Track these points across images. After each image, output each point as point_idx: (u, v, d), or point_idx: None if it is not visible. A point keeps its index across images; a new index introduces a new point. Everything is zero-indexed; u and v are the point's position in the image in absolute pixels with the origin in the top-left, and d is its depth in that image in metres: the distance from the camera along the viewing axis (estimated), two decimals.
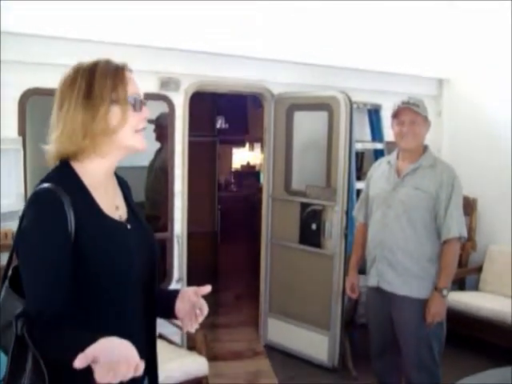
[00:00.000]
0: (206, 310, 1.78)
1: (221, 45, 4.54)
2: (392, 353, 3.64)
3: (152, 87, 4.47)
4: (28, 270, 1.57)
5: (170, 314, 1.85)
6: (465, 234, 3.41)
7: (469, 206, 5.47)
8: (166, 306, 1.85)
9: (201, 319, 1.80)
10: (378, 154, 5.46)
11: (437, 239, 3.41)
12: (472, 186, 5.10)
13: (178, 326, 3.98)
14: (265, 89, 5.15)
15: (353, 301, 4.72)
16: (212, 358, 4.53)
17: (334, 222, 4.75)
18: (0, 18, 3.52)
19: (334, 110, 4.73)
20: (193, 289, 1.80)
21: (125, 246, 1.69)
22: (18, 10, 3.64)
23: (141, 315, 1.78)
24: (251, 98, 7.48)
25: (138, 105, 1.69)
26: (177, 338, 4.37)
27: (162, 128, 4.88)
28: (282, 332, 5.21)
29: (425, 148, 3.52)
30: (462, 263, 5.36)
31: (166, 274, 4.70)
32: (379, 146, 5.57)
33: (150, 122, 5.34)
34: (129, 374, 1.35)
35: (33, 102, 3.94)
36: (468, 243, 5.54)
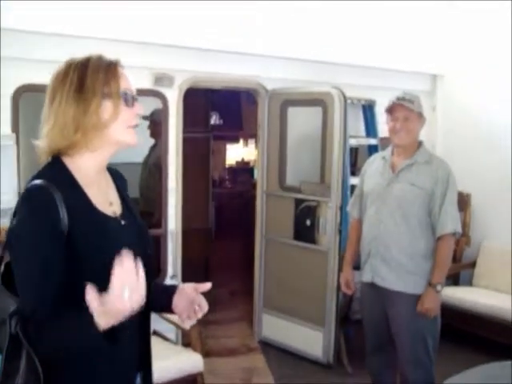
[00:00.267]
0: (205, 306, 1.79)
1: (215, 41, 4.53)
2: (387, 349, 3.65)
3: (146, 83, 4.45)
4: (21, 268, 1.57)
5: (166, 309, 1.85)
6: (459, 229, 3.42)
7: (463, 202, 5.48)
8: (162, 300, 1.84)
9: (200, 315, 1.80)
10: (372, 149, 5.46)
11: (431, 235, 3.41)
12: (466, 181, 5.11)
13: (172, 323, 3.99)
14: (259, 84, 5.15)
15: (347, 297, 4.72)
16: (207, 354, 4.53)
17: (328, 217, 4.75)
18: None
19: (328, 106, 4.72)
20: (192, 285, 1.81)
21: (118, 242, 1.68)
22: (12, 7, 3.62)
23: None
24: (245, 94, 7.46)
25: (130, 100, 1.68)
26: (171, 335, 4.37)
27: (156, 124, 4.86)
28: (277, 328, 5.21)
29: (419, 144, 3.52)
30: (455, 258, 5.37)
31: (160, 270, 4.69)
32: (373, 141, 5.57)
33: (144, 118, 5.34)
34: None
35: (25, 99, 3.92)
36: (462, 239, 5.56)
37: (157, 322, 3.60)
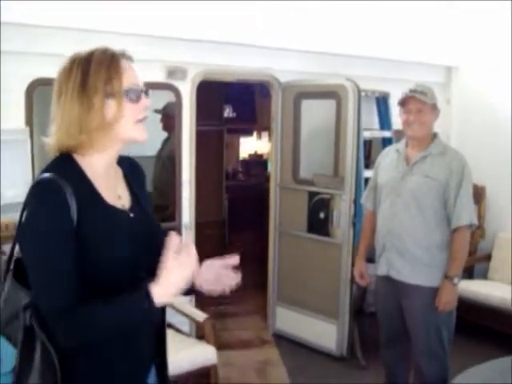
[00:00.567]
0: (235, 279, 1.84)
1: (227, 33, 4.52)
2: (401, 341, 3.64)
3: (159, 76, 4.46)
4: (33, 264, 1.57)
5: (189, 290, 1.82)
6: (475, 221, 3.40)
7: (477, 194, 5.44)
8: None
9: (238, 277, 1.85)
10: (386, 142, 5.43)
11: (446, 227, 3.39)
12: (481, 173, 5.06)
13: (186, 316, 4.00)
14: (272, 77, 5.13)
15: (361, 289, 4.72)
16: (220, 347, 4.53)
17: (342, 210, 4.74)
18: (1, 9, 3.51)
19: (341, 98, 4.70)
20: (219, 262, 1.83)
21: (127, 234, 1.69)
22: (23, 1, 3.63)
23: None
24: (259, 87, 7.44)
25: (135, 96, 1.65)
26: (185, 328, 4.38)
27: (169, 117, 4.87)
28: (291, 321, 5.21)
29: (434, 136, 3.50)
30: (470, 251, 5.32)
31: None
32: (387, 134, 5.53)
33: (156, 111, 5.33)
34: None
35: (39, 92, 3.93)
36: (477, 231, 5.52)
37: (171, 314, 3.60)
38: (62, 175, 1.59)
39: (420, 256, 3.41)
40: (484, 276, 5.67)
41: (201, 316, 3.97)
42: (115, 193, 1.74)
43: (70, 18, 3.82)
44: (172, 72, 4.54)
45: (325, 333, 4.90)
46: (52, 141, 1.66)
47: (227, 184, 8.15)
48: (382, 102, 5.64)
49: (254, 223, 7.65)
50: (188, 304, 4.30)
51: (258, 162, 9.74)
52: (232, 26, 4.54)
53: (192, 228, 4.80)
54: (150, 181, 5.18)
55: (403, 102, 3.43)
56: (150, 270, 1.78)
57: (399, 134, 4.32)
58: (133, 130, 1.68)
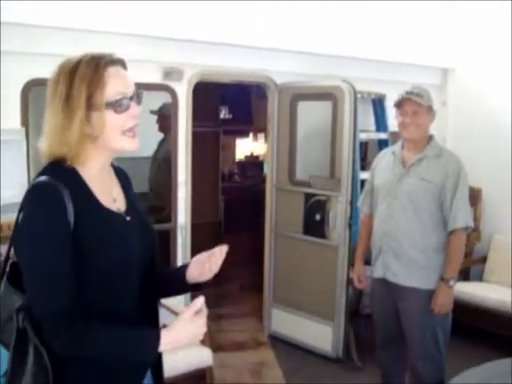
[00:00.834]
0: (217, 265, 1.81)
1: (224, 35, 4.51)
2: (397, 343, 3.64)
3: (155, 77, 4.45)
4: (29, 268, 1.56)
5: (182, 285, 1.86)
6: (471, 223, 3.40)
7: (473, 196, 5.43)
8: (176, 278, 1.87)
9: (220, 260, 1.81)
10: (383, 144, 5.44)
11: (443, 229, 3.39)
12: (477, 175, 5.07)
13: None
14: (268, 78, 5.13)
15: (357, 291, 4.72)
16: (216, 348, 4.53)
17: (338, 212, 4.74)
18: (1, 9, 3.50)
19: (338, 100, 4.70)
20: (206, 254, 1.83)
21: (124, 237, 1.69)
22: (19, 0, 3.62)
23: (141, 304, 1.77)
24: (255, 89, 7.44)
25: (121, 106, 1.63)
26: None
27: (165, 118, 4.87)
28: (286, 322, 5.21)
29: (430, 138, 3.50)
30: (466, 253, 5.33)
31: (170, 264, 4.70)
32: (383, 136, 5.54)
33: (152, 112, 5.32)
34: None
35: (35, 93, 3.92)
36: (472, 233, 5.52)
37: (166, 316, 3.59)
38: (58, 178, 1.58)
39: (416, 258, 3.41)
40: (480, 278, 5.68)
41: None
42: (110, 196, 1.74)
43: (66, 18, 3.80)
44: (168, 73, 4.53)
45: (320, 334, 4.90)
46: (43, 149, 1.65)
47: (223, 185, 8.14)
48: (378, 103, 5.64)
49: (250, 225, 7.65)
50: (183, 305, 4.28)
51: (254, 164, 9.74)
52: (229, 27, 4.54)
53: (188, 229, 4.79)
54: (146, 182, 5.17)
55: (399, 104, 3.43)
56: (146, 273, 1.78)
57: (395, 136, 4.32)
58: (120, 140, 1.66)
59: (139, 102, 1.70)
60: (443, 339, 3.46)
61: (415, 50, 5.67)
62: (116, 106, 1.62)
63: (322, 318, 4.89)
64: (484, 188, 5.78)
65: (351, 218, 4.68)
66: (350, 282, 4.41)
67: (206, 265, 1.79)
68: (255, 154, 9.88)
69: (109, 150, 1.69)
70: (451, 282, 3.36)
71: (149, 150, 5.13)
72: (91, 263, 1.59)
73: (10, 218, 3.30)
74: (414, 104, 3.37)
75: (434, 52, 5.89)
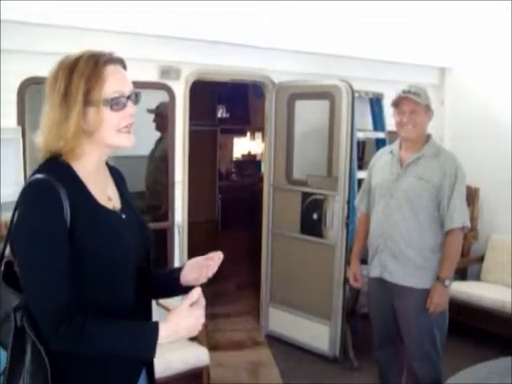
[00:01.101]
0: (213, 268, 1.81)
1: (222, 33, 4.51)
2: (394, 343, 3.64)
3: (152, 76, 4.44)
4: (27, 261, 1.56)
5: (175, 287, 1.86)
6: (468, 223, 3.39)
7: (471, 196, 5.44)
8: (170, 280, 1.88)
9: (216, 267, 1.82)
10: (380, 143, 5.43)
11: (439, 229, 3.39)
12: (474, 175, 5.05)
13: None
14: (266, 77, 5.12)
15: (354, 291, 4.71)
16: (213, 347, 4.53)
17: (335, 211, 4.73)
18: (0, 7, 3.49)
19: (335, 99, 4.70)
20: (201, 258, 1.83)
21: (120, 234, 1.69)
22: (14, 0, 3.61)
23: (136, 302, 1.78)
24: (252, 87, 7.43)
25: (117, 104, 1.63)
26: None
27: (163, 117, 4.86)
28: (283, 322, 5.20)
29: (428, 137, 3.50)
30: (463, 253, 5.34)
31: (167, 263, 4.69)
32: (381, 135, 5.53)
33: (150, 111, 5.31)
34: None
35: (32, 91, 3.91)
36: (470, 233, 5.53)
37: (162, 315, 3.59)
38: (54, 176, 1.58)
39: (413, 258, 3.41)
40: (477, 277, 5.68)
41: None
42: (105, 194, 1.74)
43: (63, 16, 3.80)
44: (165, 71, 4.52)
45: (317, 334, 4.90)
46: (39, 143, 1.66)
47: (220, 184, 8.14)
48: (375, 102, 5.64)
49: (247, 223, 7.65)
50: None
51: (251, 163, 9.75)
52: (226, 26, 4.54)
53: (185, 228, 4.79)
54: (143, 180, 5.17)
55: (397, 103, 3.43)
56: (141, 272, 1.78)
57: (393, 135, 4.31)
58: (116, 137, 1.67)
59: (136, 101, 1.71)
60: (440, 338, 3.46)
61: (413, 49, 5.66)
62: (113, 103, 1.63)
63: (319, 318, 4.89)
64: (481, 187, 5.77)
65: (348, 217, 4.68)
66: (346, 281, 4.40)
67: (203, 270, 1.79)
68: (252, 152, 9.89)
69: (104, 146, 1.69)
70: (447, 282, 3.36)
71: (146, 148, 5.12)
72: (88, 260, 1.59)
73: (6, 216, 3.30)
74: (412, 103, 3.37)
75: (432, 51, 5.88)
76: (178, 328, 1.59)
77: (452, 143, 5.80)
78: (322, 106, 4.82)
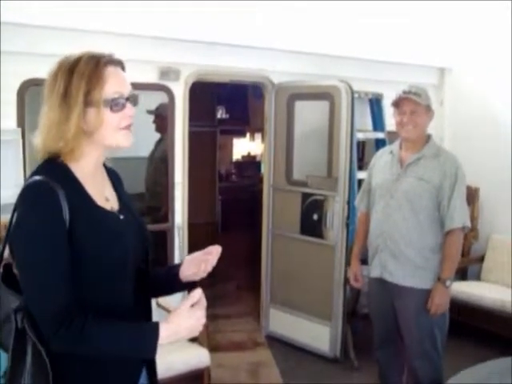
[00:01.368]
0: (212, 263, 1.82)
1: (221, 34, 4.51)
2: (394, 343, 3.64)
3: (151, 77, 4.44)
4: (27, 263, 1.56)
5: (175, 283, 1.87)
6: (468, 223, 3.39)
7: (471, 196, 5.44)
8: (170, 277, 1.89)
9: (215, 260, 1.83)
10: (380, 143, 5.43)
11: (440, 229, 3.39)
12: (474, 175, 5.05)
13: None
14: (265, 78, 5.12)
15: (355, 291, 4.71)
16: (213, 348, 4.52)
17: (335, 212, 4.73)
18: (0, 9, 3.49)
19: (335, 100, 4.70)
20: (200, 253, 1.85)
21: (119, 235, 1.69)
22: (17, 0, 3.61)
23: (135, 303, 1.78)
24: (252, 88, 7.44)
25: (117, 105, 1.64)
26: None
27: (162, 118, 4.86)
28: (284, 322, 5.20)
29: (428, 137, 3.50)
30: (463, 253, 5.34)
31: (167, 264, 4.69)
32: (381, 135, 5.53)
33: (149, 112, 5.31)
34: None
35: (32, 93, 3.91)
36: (470, 233, 5.52)
37: (163, 316, 3.59)
38: (53, 177, 1.58)
39: (413, 258, 3.41)
40: (477, 277, 5.68)
41: None
42: (103, 195, 1.74)
43: (62, 18, 3.80)
44: (165, 73, 4.52)
45: (318, 334, 4.89)
46: (38, 144, 1.66)
47: (220, 185, 8.15)
48: (375, 103, 5.64)
49: (247, 224, 7.65)
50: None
51: (251, 164, 9.75)
52: (225, 27, 4.54)
53: (185, 229, 4.79)
54: (143, 182, 5.16)
55: (397, 103, 3.42)
56: (139, 273, 1.78)
57: (392, 136, 4.31)
58: (115, 137, 1.67)
59: (135, 103, 1.71)
60: (440, 338, 3.46)
61: (412, 49, 5.66)
62: (113, 104, 1.63)
63: (320, 318, 4.88)
64: (481, 187, 5.77)
65: (348, 217, 4.68)
66: (347, 281, 4.40)
67: (202, 265, 1.80)
68: (252, 153, 9.90)
69: (103, 146, 1.70)
70: (448, 282, 3.36)
71: (145, 150, 5.12)
72: (87, 261, 1.59)
73: (6, 218, 3.30)
74: (412, 103, 3.37)
75: (431, 51, 5.89)
76: (179, 328, 1.60)
77: (452, 143, 5.80)
78: (322, 106, 4.82)
